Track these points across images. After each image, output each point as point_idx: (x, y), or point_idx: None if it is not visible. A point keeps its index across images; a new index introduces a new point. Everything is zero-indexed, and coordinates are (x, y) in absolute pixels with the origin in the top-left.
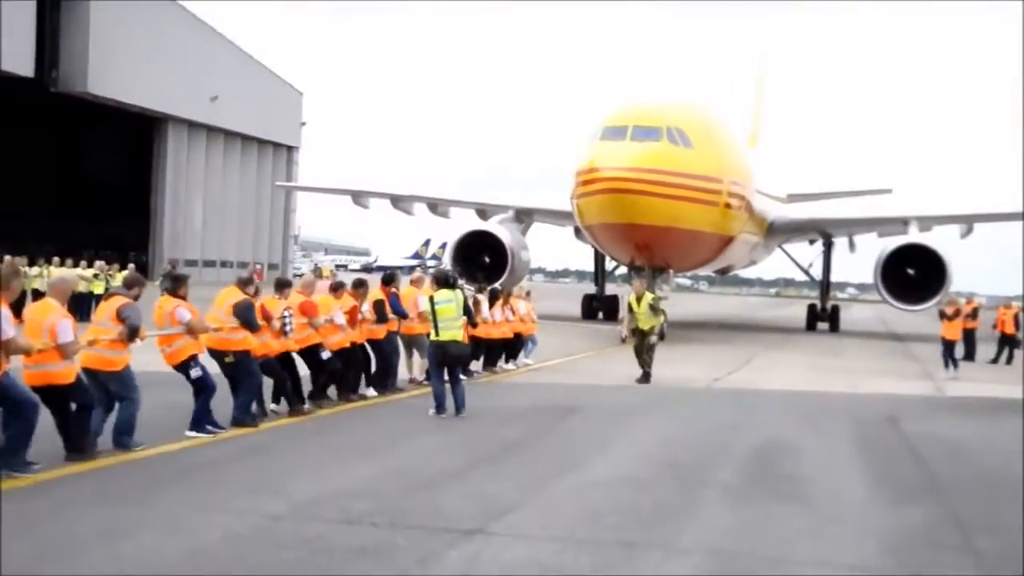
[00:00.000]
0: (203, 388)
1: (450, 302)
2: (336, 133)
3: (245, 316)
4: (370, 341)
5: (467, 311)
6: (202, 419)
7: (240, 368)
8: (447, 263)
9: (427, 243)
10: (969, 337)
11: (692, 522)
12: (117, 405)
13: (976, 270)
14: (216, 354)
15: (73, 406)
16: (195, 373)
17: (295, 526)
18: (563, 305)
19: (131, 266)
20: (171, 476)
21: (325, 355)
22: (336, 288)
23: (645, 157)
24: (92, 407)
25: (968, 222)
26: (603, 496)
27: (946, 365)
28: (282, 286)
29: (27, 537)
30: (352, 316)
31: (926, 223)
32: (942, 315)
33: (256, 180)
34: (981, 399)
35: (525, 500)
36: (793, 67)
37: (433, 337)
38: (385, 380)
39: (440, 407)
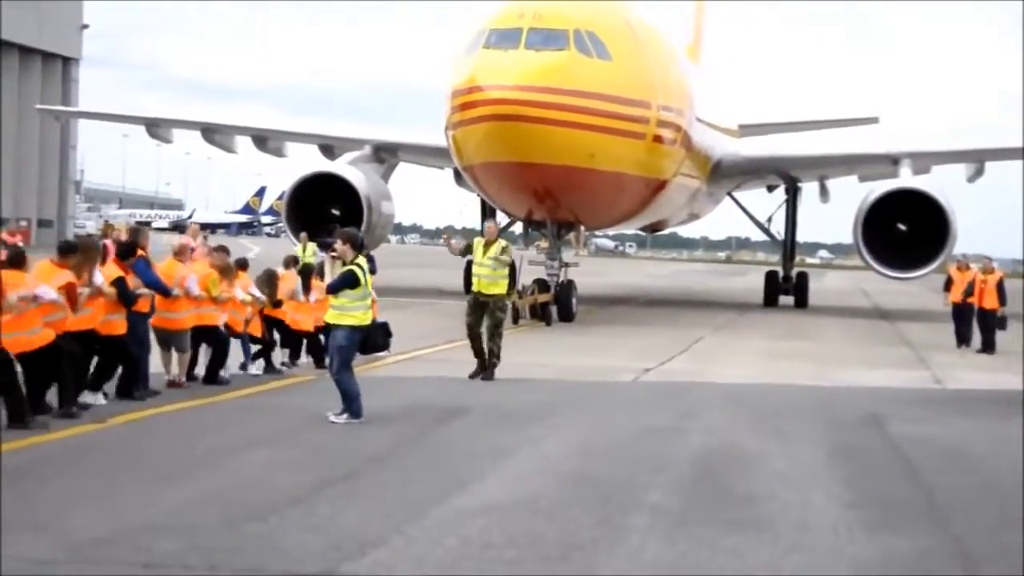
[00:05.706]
0: None
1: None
2: (133, 42)
3: None
4: (104, 337)
5: None
6: None
7: None
8: (283, 218)
9: (261, 192)
10: (965, 316)
11: (613, 558)
12: None
13: (984, 224)
14: None
15: None
16: None
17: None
18: (443, 276)
19: None
20: None
21: None
22: (16, 260)
23: (545, 71)
24: None
25: (978, 160)
26: (496, 525)
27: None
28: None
29: None
30: (70, 295)
31: (922, 161)
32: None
33: (17, 103)
34: (990, 392)
35: (391, 533)
36: None
37: (360, 320)
38: (133, 382)
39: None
